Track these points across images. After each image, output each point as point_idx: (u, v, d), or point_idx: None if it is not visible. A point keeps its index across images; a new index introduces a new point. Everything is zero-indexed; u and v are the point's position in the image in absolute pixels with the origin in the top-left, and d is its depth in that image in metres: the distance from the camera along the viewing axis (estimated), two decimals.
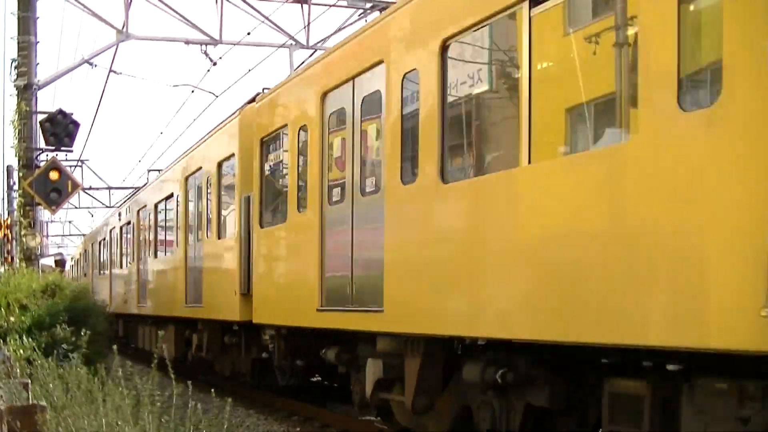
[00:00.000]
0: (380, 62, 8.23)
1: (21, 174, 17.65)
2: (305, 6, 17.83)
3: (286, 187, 10.80)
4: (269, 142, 11.71)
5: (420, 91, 7.43)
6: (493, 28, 6.64)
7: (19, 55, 17.20)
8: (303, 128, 10.20)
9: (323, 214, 9.54)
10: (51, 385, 7.10)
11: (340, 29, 18.26)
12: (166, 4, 17.84)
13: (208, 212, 14.61)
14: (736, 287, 4.39)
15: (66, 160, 23.84)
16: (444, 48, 7.15)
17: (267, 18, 18.20)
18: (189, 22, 18.03)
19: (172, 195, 17.54)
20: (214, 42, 18.21)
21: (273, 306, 11.38)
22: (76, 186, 17.89)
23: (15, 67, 17.48)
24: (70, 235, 55.31)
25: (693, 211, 4.66)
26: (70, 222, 54.05)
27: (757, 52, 4.39)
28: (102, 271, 27.91)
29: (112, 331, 16.07)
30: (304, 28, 18.10)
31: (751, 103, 4.37)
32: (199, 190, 15.34)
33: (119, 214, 24.77)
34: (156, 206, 19.27)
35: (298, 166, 10.40)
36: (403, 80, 7.73)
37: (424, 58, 7.34)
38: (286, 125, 10.95)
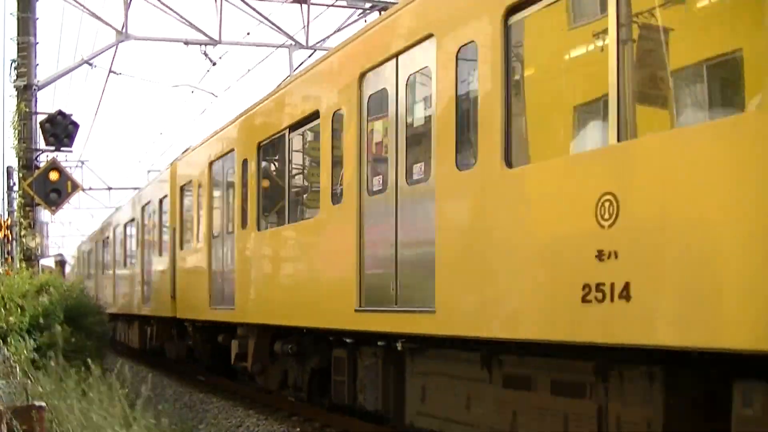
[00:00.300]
0: (233, 150, 13.45)
1: (21, 174, 17.89)
2: (304, 6, 17.90)
3: (192, 222, 16.02)
4: (184, 189, 16.93)
5: (248, 172, 12.52)
6: (277, 140, 11.71)
7: (18, 56, 17.49)
8: (200, 184, 15.49)
9: (210, 243, 14.64)
10: (50, 385, 7.11)
11: (339, 29, 18.34)
12: (165, 5, 18.01)
13: (154, 235, 19.73)
14: (344, 296, 9.00)
15: (66, 160, 24.20)
16: (259, 147, 12.27)
17: (266, 18, 18.36)
18: (188, 22, 18.28)
19: (133, 219, 22.56)
20: (214, 42, 18.48)
21: (187, 305, 16.31)
22: (75, 186, 18.14)
23: (15, 68, 17.55)
24: (71, 235, 55.23)
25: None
26: (70, 223, 54.05)
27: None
28: (89, 276, 32.63)
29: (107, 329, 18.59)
30: (304, 28, 18.16)
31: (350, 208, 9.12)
32: (149, 218, 20.48)
33: (101, 230, 30.75)
34: (125, 226, 24.21)
35: (197, 209, 15.60)
36: (243, 163, 12.84)
37: (251, 152, 12.47)
38: (191, 180, 16.20)
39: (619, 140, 5.47)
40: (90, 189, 37.84)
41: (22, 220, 18.46)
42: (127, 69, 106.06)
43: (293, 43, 19.34)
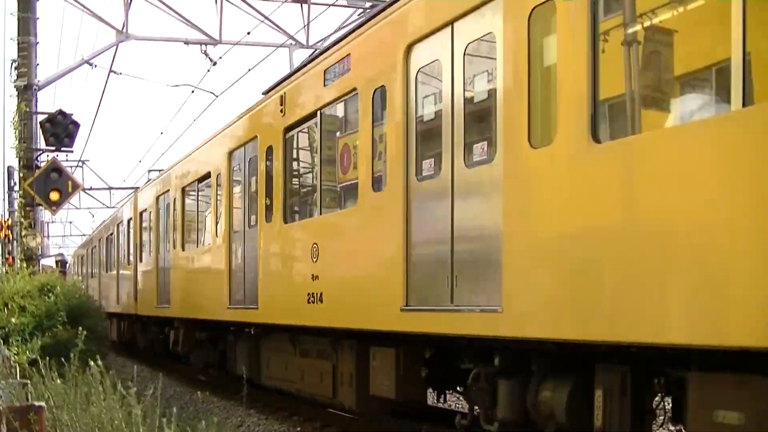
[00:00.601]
0: (168, 190, 19.81)
1: (21, 174, 18.10)
2: (305, 5, 17.97)
3: (146, 240, 23.34)
4: (143, 214, 23.23)
5: (177, 206, 18.90)
6: (193, 187, 17.63)
7: (19, 56, 18.02)
8: (151, 211, 21.77)
9: (157, 257, 20.66)
10: (51, 386, 7.12)
11: (339, 28, 18.32)
12: (165, 5, 18.57)
13: (125, 248, 26.12)
14: (222, 297, 14.87)
15: (66, 160, 24.94)
16: (183, 190, 18.52)
17: (267, 18, 18.65)
18: (189, 22, 18.86)
19: (112, 234, 29.49)
20: (214, 42, 19.03)
21: (144, 305, 22.26)
22: (76, 186, 18.78)
23: (15, 68, 17.76)
24: (71, 235, 55.28)
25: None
26: (70, 222, 54.30)
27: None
28: (82, 278, 38.33)
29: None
30: (304, 27, 18.34)
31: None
32: (122, 234, 26.88)
33: (91, 240, 38.48)
34: (107, 239, 31.15)
35: (149, 231, 21.91)
36: (174, 200, 18.90)
37: (179, 193, 18.53)
38: (146, 208, 22.56)
39: (320, 214, 11.10)
40: (90, 189, 38.61)
41: (22, 220, 18.73)
42: (127, 69, 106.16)
43: (293, 42, 19.67)
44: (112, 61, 27.70)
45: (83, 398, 7.39)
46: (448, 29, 8.16)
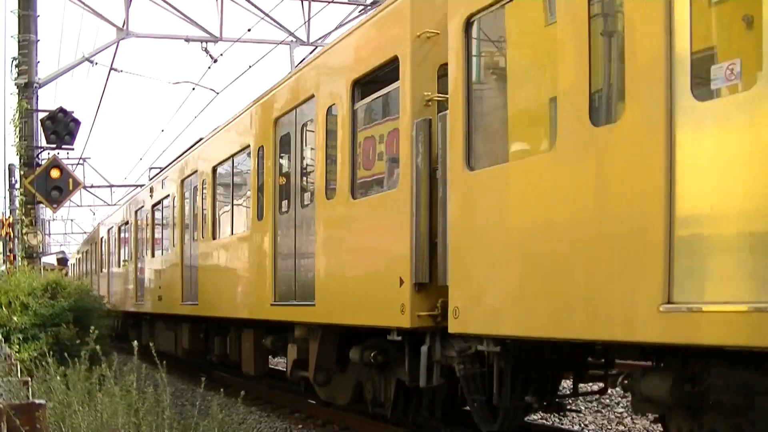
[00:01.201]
0: (113, 227, 31.51)
1: (22, 172, 18.08)
2: (305, 2, 17.94)
3: (117, 252, 33.18)
4: (103, 239, 33.29)
5: (114, 236, 30.76)
6: (125, 226, 28.26)
7: (19, 54, 18.05)
8: (107, 238, 32.48)
9: (109, 271, 31.85)
10: (53, 384, 7.10)
11: (340, 25, 18.38)
12: (166, 2, 18.32)
13: (94, 261, 36.86)
14: (133, 296, 26.36)
15: (67, 158, 24.90)
16: (119, 228, 29.44)
17: (267, 14, 18.55)
18: (189, 19, 19.08)
19: (95, 245, 37.53)
20: (215, 39, 19.12)
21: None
22: (77, 184, 18.86)
23: (16, 66, 17.75)
24: (72, 233, 55.21)
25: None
26: (72, 220, 54.46)
27: None
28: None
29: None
30: (305, 24, 18.22)
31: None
32: (94, 250, 37.31)
33: (78, 251, 46.80)
34: (85, 253, 41.72)
35: (115, 246, 31.08)
36: (112, 234, 31.20)
37: (116, 228, 29.92)
38: (103, 236, 33.68)
39: (162, 254, 20.93)
40: (91, 186, 38.56)
41: (23, 217, 18.76)
42: (128, 66, 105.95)
43: (294, 39, 19.59)
44: (113, 58, 27.81)
45: (86, 396, 7.40)
46: (191, 177, 17.86)
